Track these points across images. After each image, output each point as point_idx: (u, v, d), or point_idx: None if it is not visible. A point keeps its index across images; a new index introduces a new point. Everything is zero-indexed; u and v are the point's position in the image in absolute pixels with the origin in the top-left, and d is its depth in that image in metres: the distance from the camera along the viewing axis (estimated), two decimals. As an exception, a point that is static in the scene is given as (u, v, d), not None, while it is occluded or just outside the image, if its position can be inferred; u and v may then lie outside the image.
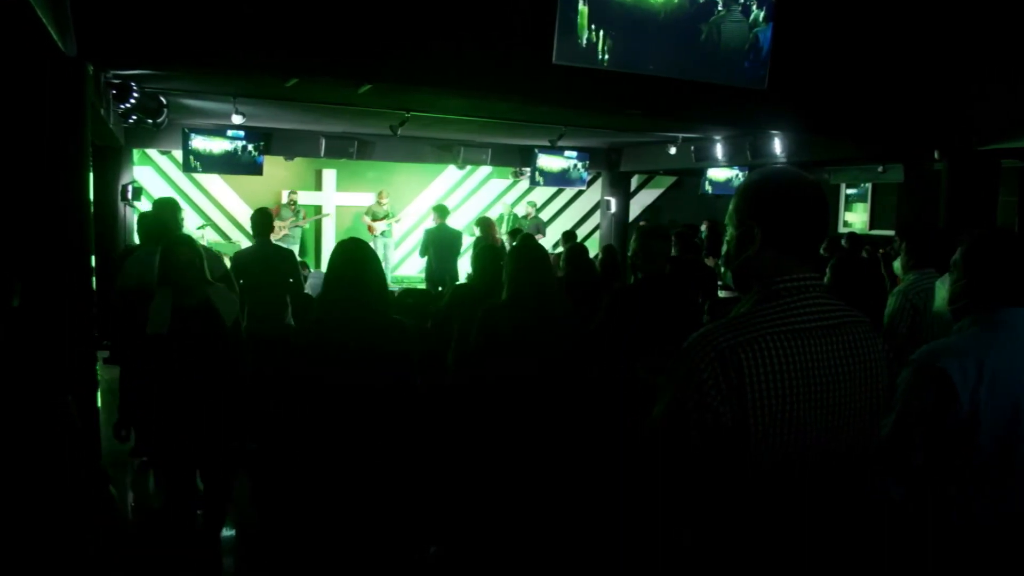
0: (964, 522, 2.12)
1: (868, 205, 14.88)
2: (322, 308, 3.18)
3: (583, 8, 5.79)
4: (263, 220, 6.24)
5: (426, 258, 10.21)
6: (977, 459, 2.08)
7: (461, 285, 4.92)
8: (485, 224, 9.64)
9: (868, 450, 1.72)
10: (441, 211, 10.48)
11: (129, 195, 10.16)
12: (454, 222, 11.36)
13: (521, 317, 3.55)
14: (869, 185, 14.62)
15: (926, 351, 2.18)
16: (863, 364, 1.67)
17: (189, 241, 3.79)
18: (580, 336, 3.86)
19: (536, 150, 12.22)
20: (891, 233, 11.49)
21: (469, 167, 14.43)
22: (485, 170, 15.27)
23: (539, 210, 15.79)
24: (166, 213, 5.17)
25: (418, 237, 14.88)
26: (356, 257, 3.18)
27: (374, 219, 13.45)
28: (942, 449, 2.11)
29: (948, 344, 2.21)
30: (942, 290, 2.38)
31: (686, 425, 1.59)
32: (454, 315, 4.35)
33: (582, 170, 12.80)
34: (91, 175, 4.81)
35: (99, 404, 4.97)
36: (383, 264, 14.68)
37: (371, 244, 13.13)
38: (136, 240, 11.04)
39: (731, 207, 1.75)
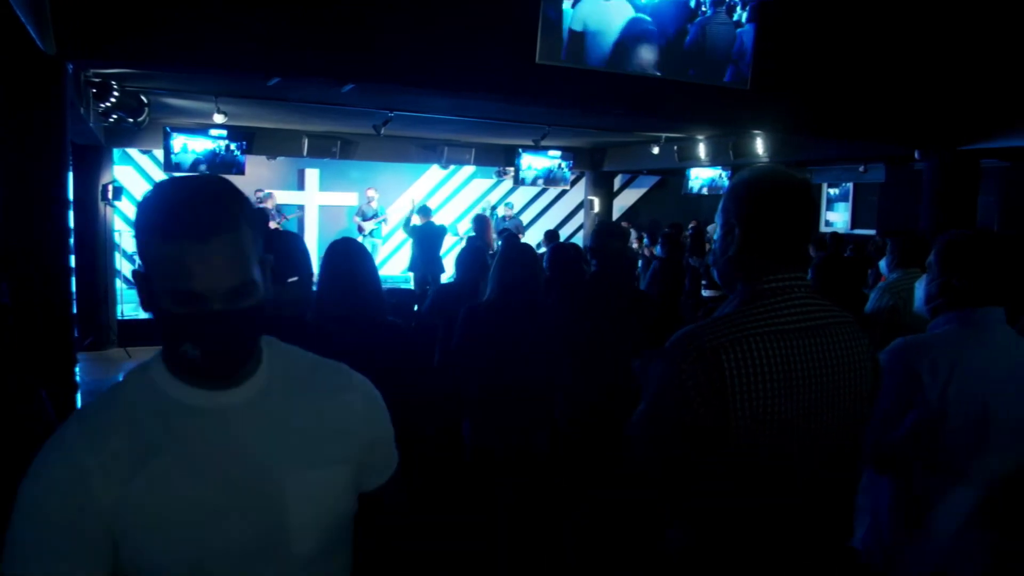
0: (926, 519, 2.13)
1: (850, 205, 14.98)
2: (317, 310, 3.13)
3: (566, 7, 5.79)
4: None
5: (411, 251, 10.85)
6: (943, 456, 2.09)
7: (444, 285, 4.90)
8: (481, 222, 9.64)
9: (853, 449, 1.72)
10: (424, 211, 11.05)
11: (110, 195, 10.06)
12: (438, 221, 11.72)
13: (504, 317, 3.54)
14: (851, 185, 14.72)
15: (900, 345, 2.19)
16: (848, 364, 1.66)
17: None
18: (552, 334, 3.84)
19: (520, 149, 12.22)
20: (872, 232, 11.58)
21: (453, 167, 14.41)
22: (468, 169, 15.26)
23: (522, 210, 15.79)
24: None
25: (402, 236, 14.89)
26: (350, 258, 3.14)
27: (364, 219, 13.46)
28: (910, 446, 2.12)
29: (921, 340, 2.22)
30: (919, 291, 2.39)
31: (667, 424, 1.58)
32: (438, 315, 4.34)
33: (565, 170, 12.81)
34: (71, 174, 4.75)
35: (79, 404, 4.92)
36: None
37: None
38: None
39: (719, 206, 1.74)
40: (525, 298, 3.57)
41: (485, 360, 3.50)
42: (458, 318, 3.59)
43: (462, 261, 4.75)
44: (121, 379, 1.28)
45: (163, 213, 1.15)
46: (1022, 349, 2.22)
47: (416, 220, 10.99)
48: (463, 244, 7.06)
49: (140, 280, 1.19)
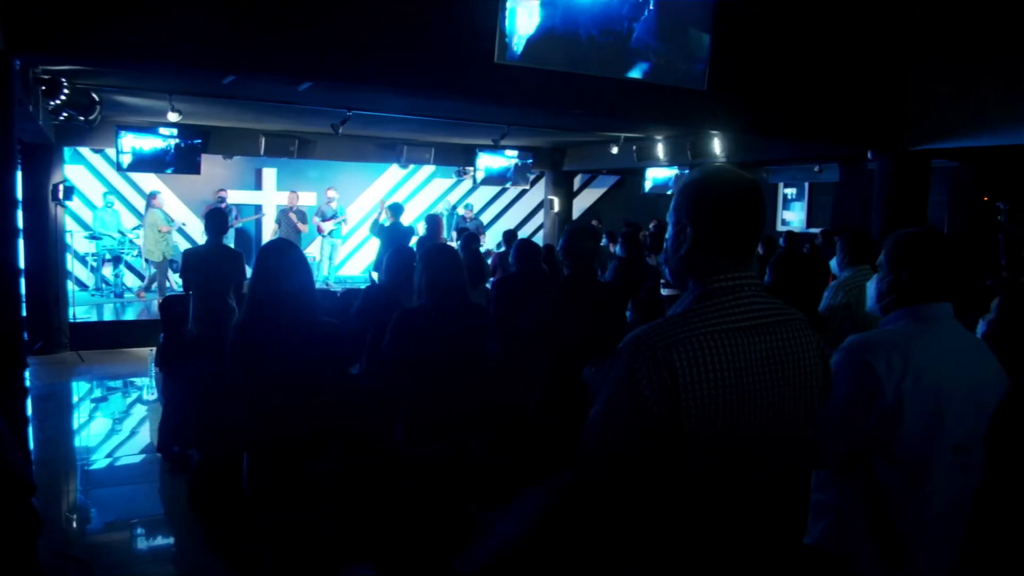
0: (889, 515, 2.16)
1: (805, 204, 15.20)
2: (248, 311, 3.10)
3: (515, 6, 5.77)
4: (217, 220, 6.25)
5: (378, 251, 10.40)
6: (901, 451, 2.12)
7: (373, 287, 4.82)
8: (434, 222, 9.56)
9: (804, 445, 1.74)
10: (395, 210, 10.63)
11: (60, 195, 9.85)
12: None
13: (438, 319, 3.48)
14: (806, 184, 14.93)
15: (855, 342, 2.22)
16: (797, 362, 1.68)
17: None
18: (515, 335, 3.83)
19: (477, 149, 12.20)
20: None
21: (412, 166, 14.34)
22: (428, 169, 15.20)
23: (481, 210, 15.78)
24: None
25: (361, 237, 14.76)
26: (282, 258, 3.10)
27: (323, 219, 13.33)
28: (866, 440, 2.15)
29: (875, 337, 2.25)
30: (871, 290, 2.42)
31: (622, 424, 1.59)
32: (367, 318, 4.28)
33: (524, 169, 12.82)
34: (19, 173, 4.64)
35: (29, 412, 4.81)
36: (329, 264, 14.37)
37: (320, 244, 12.78)
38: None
39: (671, 205, 1.76)
40: (458, 300, 3.55)
41: (422, 364, 3.44)
42: (391, 321, 3.52)
43: (390, 262, 4.66)
44: None
45: None
46: (970, 343, 2.27)
47: (386, 217, 10.73)
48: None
49: None
